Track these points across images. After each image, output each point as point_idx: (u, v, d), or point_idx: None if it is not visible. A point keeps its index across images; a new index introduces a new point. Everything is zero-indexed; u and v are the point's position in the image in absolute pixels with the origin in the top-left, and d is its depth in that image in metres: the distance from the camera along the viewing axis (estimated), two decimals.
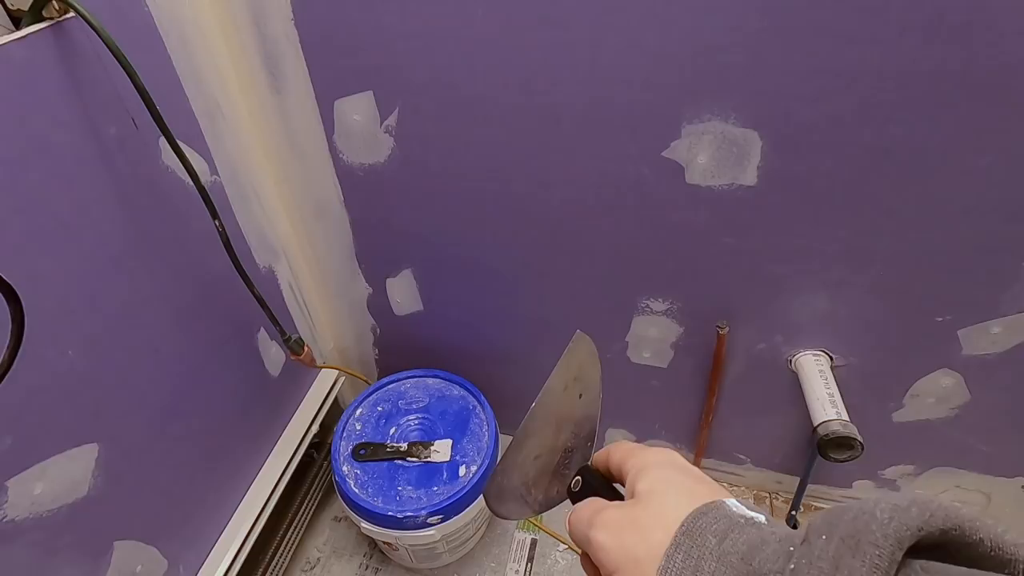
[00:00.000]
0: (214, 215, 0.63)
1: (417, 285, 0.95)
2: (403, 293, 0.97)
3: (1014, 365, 0.75)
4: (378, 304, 1.01)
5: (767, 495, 1.10)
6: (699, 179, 0.69)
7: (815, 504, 1.07)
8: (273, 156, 0.81)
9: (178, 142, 0.59)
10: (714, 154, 0.66)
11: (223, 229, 0.64)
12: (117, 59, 0.51)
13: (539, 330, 0.95)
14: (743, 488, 1.11)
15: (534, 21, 0.61)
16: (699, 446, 1.02)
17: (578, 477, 0.34)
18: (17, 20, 0.51)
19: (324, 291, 1.01)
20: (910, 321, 0.75)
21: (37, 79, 0.50)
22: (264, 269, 0.86)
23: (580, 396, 0.36)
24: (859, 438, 0.71)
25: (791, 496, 1.04)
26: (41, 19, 0.50)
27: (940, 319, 0.74)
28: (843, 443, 0.72)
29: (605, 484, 0.33)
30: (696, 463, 1.05)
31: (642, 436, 1.08)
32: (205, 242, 0.69)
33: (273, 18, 0.67)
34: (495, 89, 0.67)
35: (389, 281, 0.96)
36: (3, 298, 0.39)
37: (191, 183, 0.61)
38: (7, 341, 0.41)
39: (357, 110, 0.73)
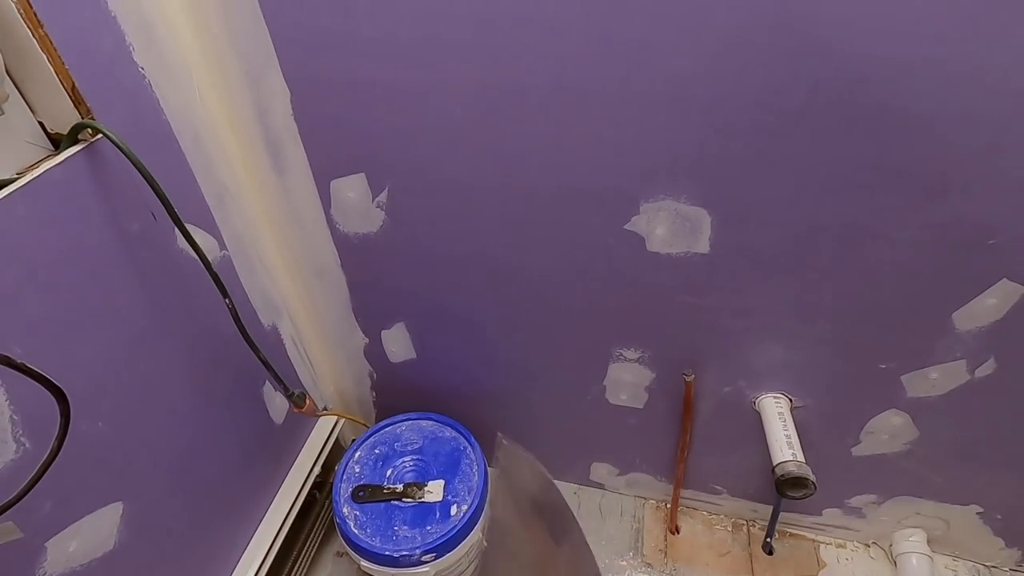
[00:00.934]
0: (224, 294, 0.70)
1: (410, 336, 1.02)
2: (397, 343, 1.04)
3: (954, 406, 0.82)
4: (374, 352, 1.08)
5: (744, 522, 1.16)
6: (658, 248, 0.76)
7: (789, 531, 1.14)
8: (275, 227, 0.89)
9: (189, 226, 0.66)
10: (670, 227, 0.74)
11: (232, 305, 0.71)
12: (140, 172, 0.59)
13: (524, 374, 1.02)
14: (721, 516, 1.17)
15: (506, 117, 0.69)
16: (677, 478, 1.09)
17: None
18: (55, 141, 0.59)
19: (324, 342, 1.08)
20: (858, 368, 0.82)
21: (73, 195, 0.58)
22: (268, 327, 0.94)
23: (555, 539, 0.28)
24: (812, 478, 0.79)
25: (767, 523, 1.11)
26: (76, 141, 0.58)
27: (884, 366, 0.81)
28: (798, 483, 0.79)
29: None
30: (675, 494, 1.12)
31: (624, 469, 1.15)
32: (215, 312, 0.77)
33: (275, 114, 0.76)
34: (473, 173, 0.75)
35: (384, 332, 1.03)
36: (52, 396, 0.47)
37: (203, 266, 0.69)
38: (55, 432, 0.48)
39: (351, 189, 0.81)
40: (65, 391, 0.47)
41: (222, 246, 0.81)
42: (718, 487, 1.11)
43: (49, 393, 0.47)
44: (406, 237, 0.85)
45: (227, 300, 0.70)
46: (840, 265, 0.72)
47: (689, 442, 1.02)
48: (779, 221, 0.70)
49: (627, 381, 0.96)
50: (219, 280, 0.69)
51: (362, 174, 0.79)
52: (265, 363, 0.79)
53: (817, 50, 0.56)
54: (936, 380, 0.80)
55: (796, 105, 0.60)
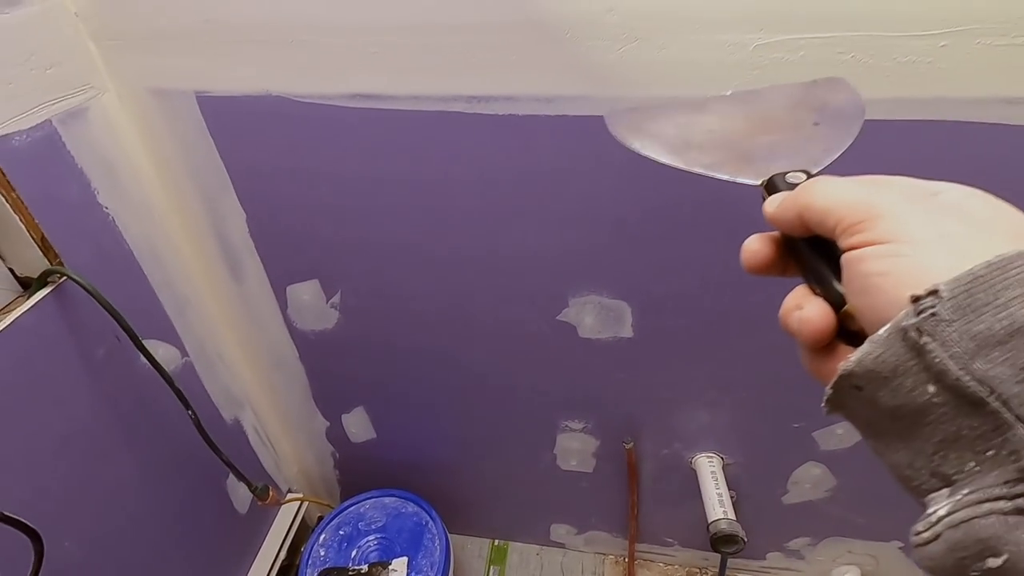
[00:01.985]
0: (187, 406, 0.75)
1: (369, 417, 1.08)
2: (357, 425, 1.09)
3: (861, 456, 0.92)
4: (335, 434, 1.13)
5: (697, 570, 1.23)
6: (589, 334, 0.85)
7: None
8: (235, 328, 0.94)
9: (152, 341, 0.72)
10: (597, 317, 0.83)
11: (195, 416, 0.76)
12: (105, 309, 0.64)
13: (481, 447, 1.08)
14: (676, 567, 1.24)
15: (444, 232, 0.77)
16: (631, 534, 1.16)
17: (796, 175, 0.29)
18: (24, 283, 0.65)
19: (286, 427, 1.12)
20: (776, 427, 0.92)
21: (43, 335, 0.63)
22: (231, 421, 0.98)
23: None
24: (741, 534, 0.86)
25: (716, 571, 1.18)
26: (45, 284, 0.64)
27: (797, 425, 0.91)
28: (729, 539, 0.87)
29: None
30: (631, 549, 1.18)
31: (581, 528, 1.21)
32: (178, 419, 0.81)
33: (232, 231, 0.82)
34: (418, 278, 0.83)
35: (344, 416, 1.08)
36: (27, 537, 0.51)
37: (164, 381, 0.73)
38: (29, 568, 0.52)
39: (306, 293, 0.88)
40: (38, 530, 0.51)
41: (184, 353, 0.86)
42: (669, 539, 1.18)
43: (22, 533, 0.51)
44: (360, 332, 0.92)
45: (190, 412, 0.75)
46: (746, 343, 0.81)
47: (637, 501, 1.09)
48: (690, 309, 0.79)
49: (575, 448, 1.04)
50: (182, 395, 0.74)
51: (316, 280, 0.86)
52: (228, 463, 0.83)
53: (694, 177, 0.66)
54: (842, 435, 0.90)
55: (686, 217, 0.70)
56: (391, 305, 0.87)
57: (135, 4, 0.64)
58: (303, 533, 1.19)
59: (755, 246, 0.29)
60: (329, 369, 1.00)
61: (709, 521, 0.90)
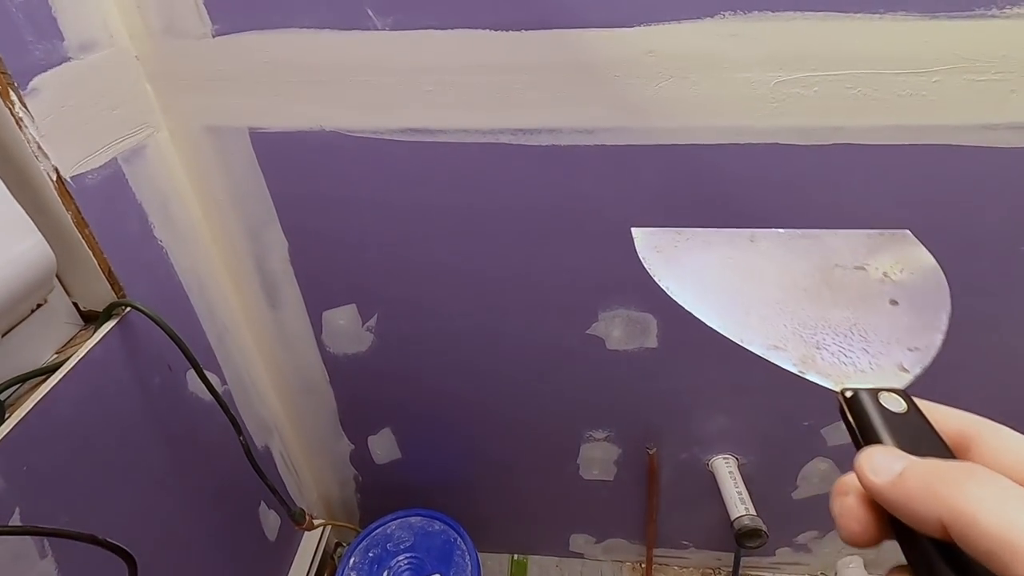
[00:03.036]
0: (238, 431, 0.76)
1: (396, 438, 1.10)
2: (383, 446, 1.11)
3: None
4: (359, 456, 1.14)
5: (711, 571, 1.28)
6: (616, 346, 0.90)
7: (750, 573, 1.26)
8: (267, 355, 0.96)
9: (204, 371, 0.73)
10: (624, 329, 0.88)
11: (244, 441, 0.77)
12: (170, 336, 0.66)
13: (504, 463, 1.12)
14: (691, 569, 1.28)
15: (482, 255, 0.82)
16: (649, 540, 1.20)
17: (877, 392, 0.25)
18: (86, 316, 0.66)
19: (309, 453, 1.13)
20: (786, 426, 0.99)
21: (110, 367, 0.64)
22: (262, 448, 0.99)
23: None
24: (764, 528, 0.92)
25: (730, 570, 1.23)
26: (111, 317, 0.65)
27: (807, 423, 0.98)
28: (753, 534, 0.92)
29: (928, 430, 0.23)
30: (648, 554, 1.23)
31: (600, 537, 1.25)
32: (222, 446, 0.82)
33: (272, 259, 0.85)
34: (454, 299, 0.87)
35: (370, 438, 1.10)
36: (122, 561, 0.52)
37: (212, 400, 0.74)
38: None
39: (342, 317, 0.91)
40: (134, 555, 0.53)
41: (223, 381, 0.87)
42: (685, 542, 1.23)
43: (119, 558, 0.52)
44: (392, 354, 0.95)
45: (240, 438, 0.77)
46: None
47: (656, 505, 1.13)
48: None
49: (598, 457, 1.08)
50: (235, 421, 0.75)
51: (353, 305, 0.89)
52: (272, 488, 0.84)
53: (730, 200, 0.73)
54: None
55: None
56: (424, 325, 0.91)
57: (195, 47, 0.67)
58: (325, 559, 1.19)
59: (858, 527, 0.21)
60: (359, 392, 1.02)
61: (732, 518, 0.95)
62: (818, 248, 0.34)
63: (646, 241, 0.36)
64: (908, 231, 0.34)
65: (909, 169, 0.69)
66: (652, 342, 0.89)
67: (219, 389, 0.85)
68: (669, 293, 0.33)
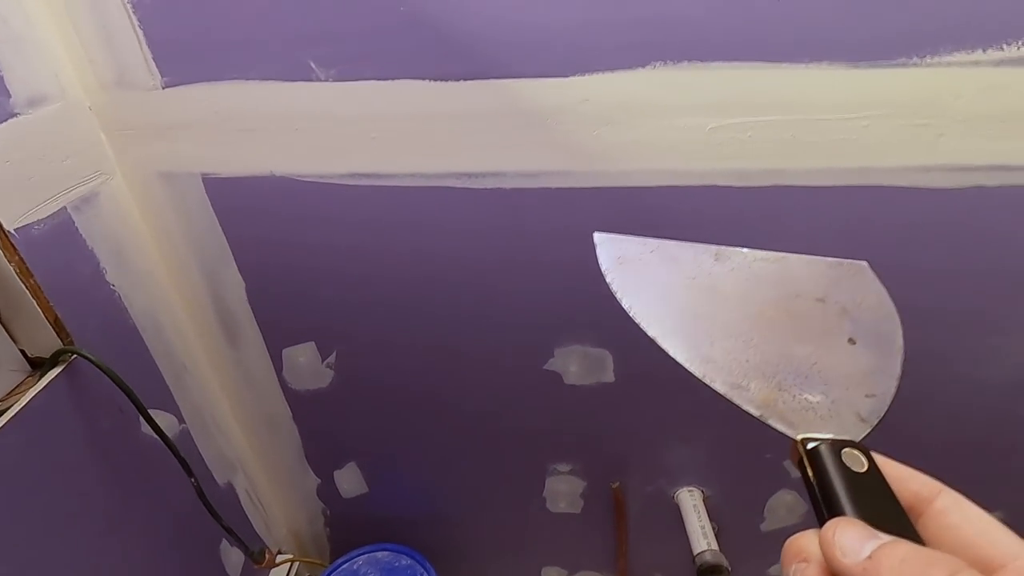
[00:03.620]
0: (189, 473, 0.76)
1: (362, 473, 1.09)
2: (350, 481, 1.11)
3: None
4: (327, 491, 1.13)
5: None
6: (574, 381, 0.91)
7: None
8: (230, 392, 0.96)
9: (151, 411, 0.73)
10: (581, 365, 0.89)
11: (197, 483, 0.77)
12: (116, 383, 0.67)
13: (471, 496, 1.11)
14: None
15: (436, 295, 0.83)
16: (620, 572, 1.19)
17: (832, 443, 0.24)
18: (33, 363, 0.67)
19: (276, 488, 1.13)
20: (748, 458, 0.98)
21: (55, 414, 0.65)
22: (224, 485, 0.99)
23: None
24: (725, 564, 0.92)
25: None
26: (57, 363, 0.66)
27: (768, 455, 0.98)
28: (715, 570, 0.92)
29: (887, 493, 0.23)
30: None
31: (572, 570, 1.23)
32: (177, 487, 0.82)
33: (231, 299, 0.86)
34: (412, 336, 0.87)
35: (336, 472, 1.10)
36: None
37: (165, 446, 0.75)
38: None
39: (302, 355, 0.91)
40: None
41: (180, 420, 0.87)
42: (657, 573, 1.22)
43: None
44: (354, 390, 0.95)
45: (192, 479, 0.77)
46: None
47: (625, 538, 1.13)
48: (664, 354, 0.86)
49: (564, 491, 1.08)
50: (185, 462, 0.75)
51: (312, 342, 0.90)
52: (227, 528, 0.84)
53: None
54: None
55: None
56: (384, 362, 0.91)
57: (146, 98, 0.69)
58: None
59: None
60: (322, 427, 1.02)
61: (694, 553, 0.95)
62: (780, 273, 0.34)
63: (609, 249, 0.35)
64: (866, 263, 0.35)
65: (848, 209, 0.70)
66: (609, 376, 0.89)
67: (175, 428, 0.86)
68: (631, 314, 0.33)
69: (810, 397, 0.28)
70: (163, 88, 0.68)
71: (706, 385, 0.31)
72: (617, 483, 1.02)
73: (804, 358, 0.30)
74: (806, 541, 0.23)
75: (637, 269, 0.34)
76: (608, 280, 0.34)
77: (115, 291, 0.74)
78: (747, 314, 0.32)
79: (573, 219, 0.74)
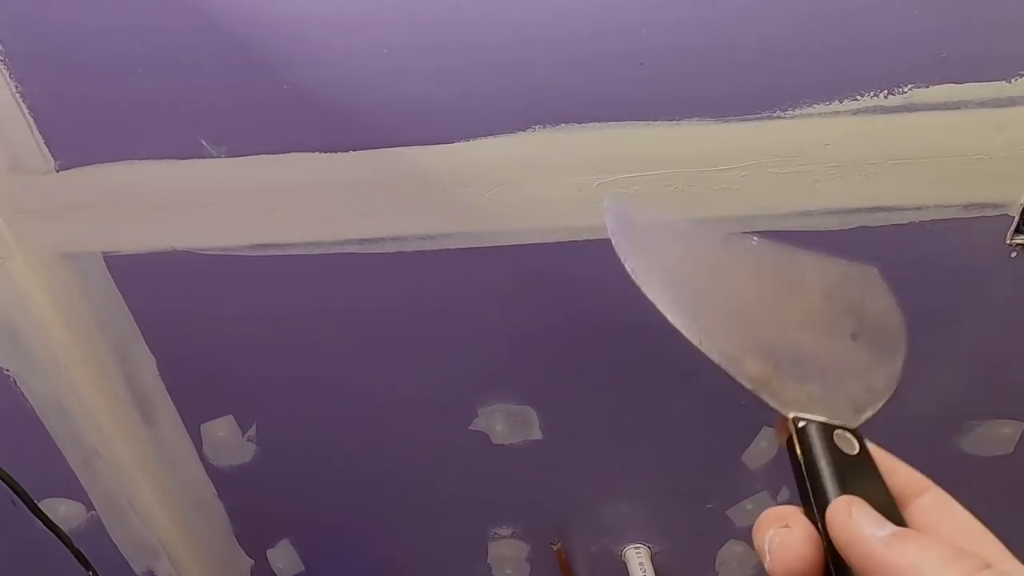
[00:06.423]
0: (87, 567, 0.72)
1: (296, 550, 1.04)
2: (284, 559, 1.05)
3: None
4: (261, 571, 1.08)
5: None
6: (502, 440, 0.89)
7: None
8: (148, 472, 0.93)
9: (52, 500, 0.70)
10: (506, 423, 0.87)
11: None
12: (5, 482, 0.64)
13: (414, 568, 1.06)
14: None
15: (350, 361, 0.82)
16: None
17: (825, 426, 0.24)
18: None
19: (207, 571, 1.07)
20: (691, 510, 0.96)
21: None
22: (142, 574, 0.93)
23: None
24: None
25: None
26: None
27: (710, 506, 0.95)
28: None
29: (877, 478, 0.23)
30: None
31: None
32: None
33: (142, 376, 0.84)
34: (333, 403, 0.86)
35: (269, 552, 1.04)
36: None
37: (68, 532, 0.71)
38: None
39: (221, 429, 0.89)
40: None
41: (89, 507, 0.83)
42: None
43: None
44: (280, 463, 0.92)
45: (90, 572, 0.72)
46: (646, 433, 0.87)
47: None
48: (588, 407, 0.85)
49: (508, 556, 1.03)
50: (81, 556, 0.71)
51: (230, 415, 0.87)
52: None
53: (576, 293, 0.75)
54: (751, 510, 0.95)
55: (571, 325, 0.78)
56: (307, 432, 0.89)
57: (40, 181, 0.69)
58: None
59: (801, 565, 0.20)
60: (249, 504, 0.98)
61: None
62: (789, 265, 0.33)
63: (619, 216, 0.34)
64: (877, 270, 0.34)
65: None
66: (536, 434, 0.88)
67: (82, 517, 0.82)
68: (633, 277, 0.32)
69: (806, 381, 0.27)
70: (57, 171, 0.68)
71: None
72: (559, 544, 0.98)
73: (804, 345, 0.30)
74: (789, 510, 0.22)
75: (645, 238, 0.33)
76: (614, 243, 0.33)
77: (10, 376, 0.72)
78: (751, 296, 0.32)
79: (475, 280, 0.74)
